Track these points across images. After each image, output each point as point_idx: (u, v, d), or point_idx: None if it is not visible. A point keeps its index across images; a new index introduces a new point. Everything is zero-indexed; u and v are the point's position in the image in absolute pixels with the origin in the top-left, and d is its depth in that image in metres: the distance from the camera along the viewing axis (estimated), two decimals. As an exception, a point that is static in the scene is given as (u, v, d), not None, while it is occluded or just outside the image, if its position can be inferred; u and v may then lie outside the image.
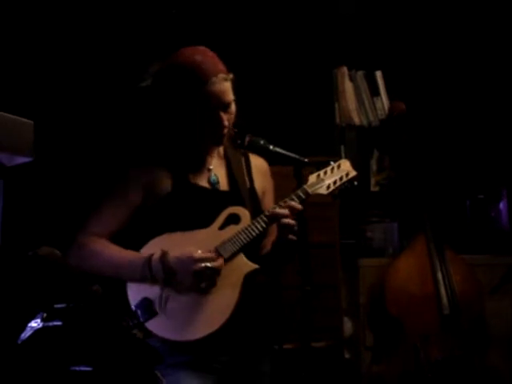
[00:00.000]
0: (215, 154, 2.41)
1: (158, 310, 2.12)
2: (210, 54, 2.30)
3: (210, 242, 2.24)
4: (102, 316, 1.33)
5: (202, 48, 2.31)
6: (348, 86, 4.15)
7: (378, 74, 4.21)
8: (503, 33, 4.16)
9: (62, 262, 1.31)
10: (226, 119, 2.28)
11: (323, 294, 3.49)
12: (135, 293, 2.18)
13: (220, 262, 2.20)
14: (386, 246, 3.99)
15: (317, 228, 2.63)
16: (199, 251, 2.19)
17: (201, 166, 2.37)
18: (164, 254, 2.18)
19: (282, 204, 2.26)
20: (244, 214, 2.28)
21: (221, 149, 2.43)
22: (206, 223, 2.28)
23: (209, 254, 2.19)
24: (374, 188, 4.15)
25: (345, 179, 2.34)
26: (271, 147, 2.36)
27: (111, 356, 1.33)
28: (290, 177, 2.39)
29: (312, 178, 2.32)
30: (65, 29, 3.49)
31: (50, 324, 1.28)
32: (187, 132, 2.31)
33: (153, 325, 2.09)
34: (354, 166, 2.45)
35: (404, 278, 3.11)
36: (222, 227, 2.27)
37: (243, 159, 2.44)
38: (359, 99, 4.16)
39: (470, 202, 4.09)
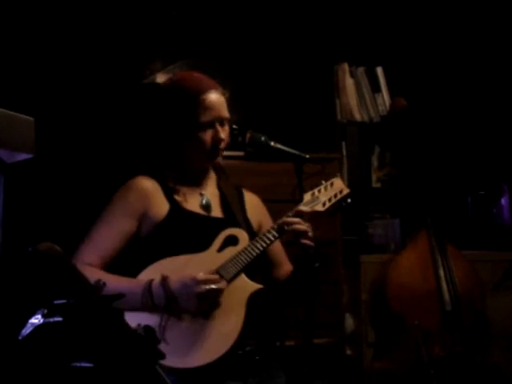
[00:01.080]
0: (208, 183, 2.42)
1: (159, 337, 1.99)
2: (206, 77, 2.36)
3: (209, 264, 2.21)
4: (103, 312, 1.33)
5: (199, 73, 2.38)
6: (349, 82, 4.15)
7: (379, 70, 4.20)
8: (503, 29, 4.16)
9: (63, 258, 1.30)
10: (223, 133, 2.31)
11: (325, 290, 3.50)
12: (134, 321, 2.06)
13: (223, 283, 2.17)
14: (388, 243, 3.98)
15: (318, 224, 2.63)
16: (201, 273, 2.16)
17: (194, 190, 2.38)
18: (164, 279, 2.14)
19: (278, 222, 2.28)
20: (242, 235, 2.28)
21: (213, 180, 2.45)
22: (202, 249, 2.26)
23: (211, 276, 2.17)
24: (375, 184, 4.14)
25: (339, 196, 2.40)
26: (272, 144, 2.38)
27: (112, 352, 1.32)
28: (291, 173, 2.40)
29: (307, 197, 2.35)
30: (66, 27, 3.49)
31: (51, 320, 1.28)
32: (183, 145, 2.32)
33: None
34: (355, 163, 2.47)
35: (406, 274, 3.11)
36: (220, 249, 2.26)
37: (236, 193, 2.47)
38: (360, 95, 4.15)
39: (471, 198, 4.08)
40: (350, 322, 3.87)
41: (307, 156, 2.38)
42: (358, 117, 4.13)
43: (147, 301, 2.12)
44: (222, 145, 2.32)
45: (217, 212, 2.38)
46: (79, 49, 3.50)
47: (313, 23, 4.11)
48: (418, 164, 3.30)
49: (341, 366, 3.69)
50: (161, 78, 3.71)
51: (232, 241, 2.27)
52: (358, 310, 3.83)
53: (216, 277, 2.17)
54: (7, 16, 3.31)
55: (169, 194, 2.31)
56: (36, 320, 1.28)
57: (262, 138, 2.37)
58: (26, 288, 1.31)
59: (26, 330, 1.28)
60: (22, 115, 1.52)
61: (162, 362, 1.97)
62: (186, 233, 2.27)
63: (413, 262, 3.15)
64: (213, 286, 2.14)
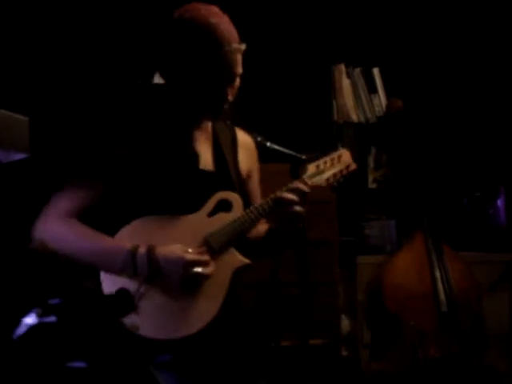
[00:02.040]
0: (202, 126, 2.23)
1: (136, 303, 1.92)
2: (225, 18, 2.13)
3: (198, 230, 2.07)
4: (96, 312, 1.32)
5: (217, 9, 2.14)
6: (345, 83, 4.15)
7: (376, 71, 4.21)
8: (500, 30, 4.16)
9: (57, 257, 1.30)
10: (231, 93, 2.14)
11: (321, 291, 3.50)
12: (111, 283, 1.93)
13: (212, 267, 2.03)
14: (384, 244, 3.98)
15: (315, 225, 2.61)
16: (190, 251, 2.02)
17: (186, 139, 2.18)
18: (151, 250, 1.97)
19: (279, 193, 2.11)
20: (236, 200, 2.12)
21: (209, 122, 2.25)
22: (191, 207, 2.09)
23: (201, 257, 2.03)
24: (371, 185, 4.15)
25: (345, 172, 2.23)
26: (268, 144, 2.30)
27: (106, 352, 1.32)
28: (287, 174, 2.38)
29: (312, 168, 2.19)
30: (60, 26, 3.48)
31: (45, 320, 1.27)
32: (185, 98, 2.14)
33: (128, 320, 1.89)
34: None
35: (402, 275, 3.11)
36: (211, 214, 2.11)
37: (230, 135, 2.29)
38: (357, 96, 4.16)
39: (467, 200, 4.08)
40: (346, 322, 3.87)
41: (303, 157, 2.34)
42: (354, 117, 4.14)
43: (128, 268, 1.96)
44: (226, 106, 2.15)
45: (208, 162, 2.19)
46: (74, 48, 3.50)
47: (310, 24, 4.11)
48: (414, 165, 3.30)
49: (337, 367, 3.69)
50: (157, 79, 3.70)
51: (225, 204, 2.11)
52: (354, 310, 3.83)
53: (205, 258, 2.03)
54: (2, 15, 3.30)
55: (158, 141, 2.11)
56: (30, 320, 1.27)
57: (258, 139, 2.32)
58: (20, 287, 1.30)
59: (21, 330, 1.27)
60: (16, 115, 1.52)
61: (135, 330, 1.87)
62: (175, 187, 2.09)
63: (409, 263, 3.15)
64: (199, 270, 2.00)
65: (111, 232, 2.05)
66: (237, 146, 2.28)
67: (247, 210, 2.11)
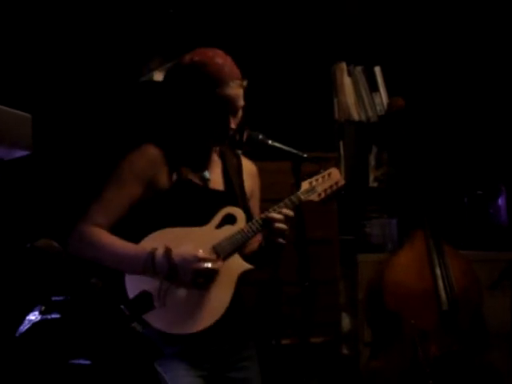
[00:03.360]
0: (213, 153, 2.48)
1: (155, 302, 2.18)
2: (229, 58, 2.40)
3: (207, 240, 2.32)
4: (100, 309, 1.32)
5: (221, 51, 2.40)
6: (347, 82, 4.15)
7: (377, 69, 4.21)
8: (502, 29, 4.17)
9: (60, 255, 1.30)
10: (234, 123, 2.36)
11: (322, 289, 3.50)
12: (134, 284, 2.22)
13: (220, 263, 2.29)
14: (385, 242, 3.99)
15: (316, 224, 2.63)
16: (200, 251, 2.26)
17: (199, 163, 2.43)
18: (168, 251, 2.24)
19: (276, 209, 2.34)
20: (240, 214, 2.37)
21: (217, 149, 2.50)
22: (202, 221, 2.35)
23: (210, 256, 2.28)
24: (372, 184, 4.15)
25: (335, 188, 2.44)
26: (270, 142, 2.40)
27: (110, 349, 1.32)
28: (288, 172, 2.40)
29: (305, 185, 2.40)
30: (64, 24, 3.49)
31: (49, 317, 1.28)
32: (194, 129, 2.38)
33: (148, 315, 2.17)
34: (353, 162, 2.46)
35: (402, 273, 3.12)
36: (218, 226, 2.35)
37: (235, 160, 2.52)
38: (358, 95, 4.16)
39: (468, 198, 4.09)
40: (346, 321, 3.87)
41: (305, 155, 2.39)
42: (355, 116, 4.14)
43: (149, 268, 2.23)
44: (231, 133, 2.39)
45: (218, 184, 2.46)
46: (77, 46, 3.50)
47: (311, 22, 4.12)
48: (415, 164, 3.31)
49: (337, 365, 3.69)
50: (158, 76, 3.71)
51: (230, 218, 2.37)
52: (354, 309, 3.83)
53: (214, 257, 2.29)
54: (5, 13, 3.31)
55: (174, 164, 2.39)
56: (33, 317, 1.28)
57: (260, 137, 2.39)
58: (24, 284, 1.30)
59: (24, 327, 1.28)
60: (18, 111, 1.52)
61: (154, 324, 2.18)
62: (189, 204, 2.36)
63: (409, 261, 3.16)
64: (209, 265, 2.25)
65: (136, 240, 2.31)
66: (241, 170, 2.53)
67: (249, 223, 2.35)
